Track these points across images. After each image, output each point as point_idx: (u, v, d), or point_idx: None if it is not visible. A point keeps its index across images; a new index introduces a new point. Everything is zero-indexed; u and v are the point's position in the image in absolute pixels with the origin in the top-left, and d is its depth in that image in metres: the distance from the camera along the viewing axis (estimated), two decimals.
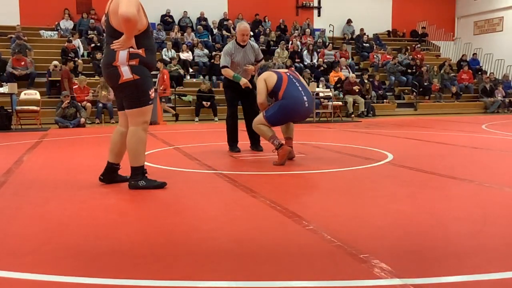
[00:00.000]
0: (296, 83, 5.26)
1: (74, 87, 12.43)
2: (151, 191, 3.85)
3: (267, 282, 2.02)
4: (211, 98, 13.35)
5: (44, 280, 2.07)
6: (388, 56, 17.99)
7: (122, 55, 3.75)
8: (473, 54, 19.73)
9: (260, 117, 5.26)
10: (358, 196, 3.71)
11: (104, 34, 3.96)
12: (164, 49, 15.61)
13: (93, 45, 15.80)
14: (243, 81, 5.94)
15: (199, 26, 17.66)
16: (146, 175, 3.96)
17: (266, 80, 5.23)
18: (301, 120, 5.49)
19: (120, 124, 4.07)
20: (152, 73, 4.00)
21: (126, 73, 3.76)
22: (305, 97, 5.15)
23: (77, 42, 15.51)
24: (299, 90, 5.18)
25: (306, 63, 16.79)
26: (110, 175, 4.12)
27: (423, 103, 16.41)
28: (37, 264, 2.25)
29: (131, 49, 3.77)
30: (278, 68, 5.85)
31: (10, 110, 10.88)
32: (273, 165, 5.02)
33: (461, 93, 16.94)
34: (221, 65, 6.15)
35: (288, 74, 5.34)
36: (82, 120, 11.32)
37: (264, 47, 17.10)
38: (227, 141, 6.36)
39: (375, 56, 18.03)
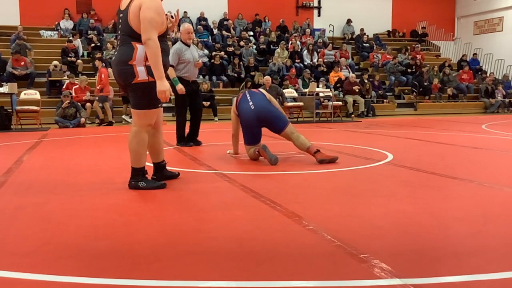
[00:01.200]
0: (247, 95, 5.49)
1: (74, 87, 12.42)
2: (151, 191, 3.85)
3: (267, 282, 2.02)
4: (211, 98, 13.35)
5: (44, 280, 2.07)
6: (388, 56, 17.99)
7: (140, 53, 3.70)
8: (473, 54, 19.72)
9: (246, 149, 5.45)
10: (358, 196, 3.71)
11: (119, 27, 3.83)
12: None
13: (93, 45, 15.80)
14: (179, 87, 6.44)
15: (199, 26, 17.65)
16: (146, 175, 3.97)
17: (233, 108, 5.64)
18: (263, 123, 5.35)
19: None
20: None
21: (141, 74, 3.71)
22: (251, 102, 5.35)
23: (77, 42, 15.52)
24: (247, 99, 5.41)
25: (306, 63, 16.79)
26: (160, 173, 4.22)
27: (423, 103, 16.41)
28: (37, 264, 2.25)
29: None
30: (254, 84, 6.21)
31: (10, 110, 10.88)
32: (271, 165, 5.02)
33: (459, 94, 16.88)
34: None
35: (244, 91, 5.61)
36: (82, 120, 11.32)
37: (264, 47, 17.13)
38: (180, 139, 6.81)
39: (375, 56, 18.03)
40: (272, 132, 5.46)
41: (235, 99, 5.68)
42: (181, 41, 6.62)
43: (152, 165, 4.30)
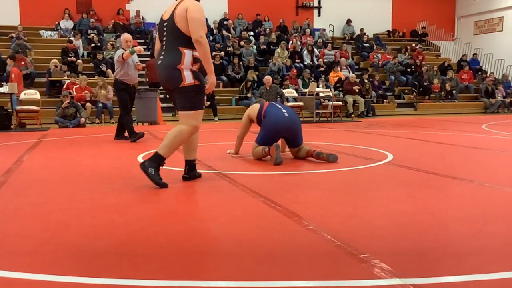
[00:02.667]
0: (277, 104, 5.65)
1: (75, 86, 12.43)
2: (151, 191, 3.86)
3: (267, 282, 2.02)
4: (211, 98, 13.35)
5: (44, 280, 2.07)
6: (388, 56, 17.99)
7: (188, 58, 3.93)
8: (473, 54, 19.71)
9: (253, 147, 5.49)
10: (358, 196, 3.71)
11: (164, 35, 4.02)
12: None
13: (93, 45, 15.80)
14: (138, 48, 7.67)
15: None
16: (161, 167, 4.05)
17: (249, 113, 5.73)
18: (289, 134, 5.45)
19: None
20: None
21: (188, 78, 3.92)
22: (284, 110, 5.45)
23: (78, 42, 15.52)
24: (278, 107, 5.53)
25: (306, 63, 16.79)
26: (192, 172, 4.29)
27: (423, 103, 16.41)
28: (37, 264, 2.25)
29: (194, 53, 3.95)
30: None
31: (10, 110, 10.88)
32: (273, 165, 5.04)
33: (458, 93, 16.89)
34: (116, 59, 7.68)
35: (270, 101, 5.79)
36: (82, 120, 11.32)
37: (264, 47, 17.12)
38: (131, 134, 7.65)
39: (375, 56, 18.03)
40: (288, 143, 5.57)
41: (255, 105, 5.74)
42: (122, 48, 7.72)
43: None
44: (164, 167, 4.30)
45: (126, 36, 7.92)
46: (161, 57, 4.04)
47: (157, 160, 3.98)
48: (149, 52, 15.43)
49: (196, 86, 3.97)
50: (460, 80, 17.63)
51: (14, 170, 4.98)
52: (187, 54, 3.92)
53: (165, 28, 4.02)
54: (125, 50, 7.55)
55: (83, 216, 3.14)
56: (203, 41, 3.84)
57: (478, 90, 17.24)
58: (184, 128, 4.02)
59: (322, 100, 13.80)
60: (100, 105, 12.28)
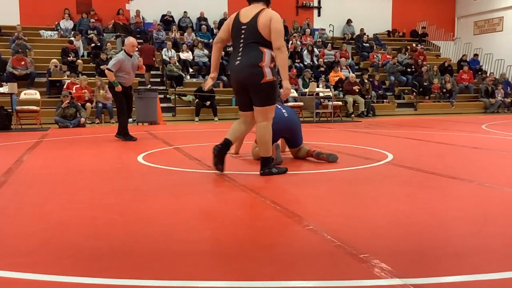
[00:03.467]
0: (277, 104, 5.54)
1: (75, 86, 12.43)
2: (151, 191, 3.86)
3: (267, 282, 2.02)
4: (211, 98, 13.35)
5: (44, 280, 2.07)
6: (388, 56, 17.99)
7: (268, 56, 4.32)
8: (475, 55, 19.67)
9: (253, 147, 5.50)
10: (358, 196, 3.71)
11: (242, 37, 4.37)
12: (164, 49, 15.61)
13: (93, 45, 15.80)
14: (119, 88, 7.58)
15: (203, 26, 17.67)
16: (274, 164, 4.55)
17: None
18: (289, 133, 5.43)
19: (243, 121, 4.58)
20: None
21: (268, 74, 4.31)
22: (284, 110, 5.43)
23: (78, 43, 15.52)
24: (278, 107, 5.48)
25: (306, 63, 16.79)
26: (224, 149, 4.46)
27: (423, 103, 16.41)
28: (37, 264, 2.25)
29: (272, 52, 4.32)
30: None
31: (10, 110, 10.88)
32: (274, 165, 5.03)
33: (457, 94, 16.89)
34: (108, 67, 7.63)
35: None
36: (82, 120, 11.32)
37: None
38: (125, 135, 7.77)
39: (375, 56, 18.03)
40: (288, 143, 5.56)
41: None
42: (125, 51, 7.70)
43: (152, 165, 4.29)
44: (164, 167, 4.33)
45: (132, 40, 7.81)
46: (239, 57, 4.39)
47: (269, 161, 4.49)
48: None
49: (274, 82, 4.38)
50: (460, 80, 17.64)
51: (14, 170, 4.98)
52: (267, 53, 4.31)
53: (243, 30, 4.37)
54: (128, 55, 7.63)
55: (83, 216, 3.14)
56: (283, 50, 4.28)
57: (478, 90, 17.24)
58: (264, 124, 4.43)
59: (322, 100, 13.80)
60: (100, 105, 12.28)
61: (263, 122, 4.42)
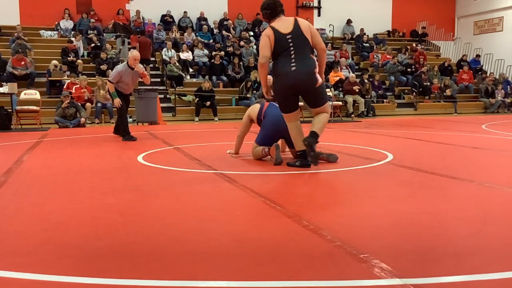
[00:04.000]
0: (277, 104, 5.58)
1: (75, 86, 12.43)
2: (151, 191, 3.86)
3: (267, 282, 2.02)
4: (211, 98, 13.35)
5: (44, 280, 2.07)
6: (388, 56, 17.99)
7: (315, 63, 4.84)
8: (476, 56, 19.61)
9: (253, 147, 5.51)
10: (358, 196, 3.71)
11: (291, 45, 4.77)
12: (164, 49, 15.61)
13: (93, 45, 15.80)
14: (116, 101, 7.76)
15: (204, 26, 17.67)
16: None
17: (249, 113, 5.81)
18: (289, 134, 5.44)
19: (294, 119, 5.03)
20: None
21: (319, 79, 4.86)
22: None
23: (78, 43, 15.52)
24: (278, 109, 5.48)
25: None
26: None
27: (423, 103, 16.40)
28: (37, 264, 2.25)
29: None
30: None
31: (10, 110, 10.88)
32: (273, 165, 5.04)
33: (457, 94, 16.86)
34: (109, 78, 7.89)
35: (271, 102, 5.80)
36: (82, 120, 11.32)
37: None
38: (126, 135, 7.84)
39: (375, 56, 18.02)
40: (288, 143, 5.56)
41: (256, 105, 5.81)
42: (127, 64, 7.75)
43: (152, 165, 4.29)
44: (164, 167, 4.33)
45: (135, 54, 7.88)
46: (293, 64, 4.75)
47: (315, 137, 4.80)
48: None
49: (323, 83, 4.96)
50: (460, 80, 17.63)
51: (14, 170, 4.98)
52: (315, 60, 4.85)
53: (289, 40, 4.76)
54: (130, 67, 7.71)
55: (83, 216, 3.14)
56: (325, 51, 5.05)
57: (478, 90, 17.23)
58: (327, 115, 5.05)
59: None
60: (100, 105, 12.28)
61: (325, 114, 5.02)
